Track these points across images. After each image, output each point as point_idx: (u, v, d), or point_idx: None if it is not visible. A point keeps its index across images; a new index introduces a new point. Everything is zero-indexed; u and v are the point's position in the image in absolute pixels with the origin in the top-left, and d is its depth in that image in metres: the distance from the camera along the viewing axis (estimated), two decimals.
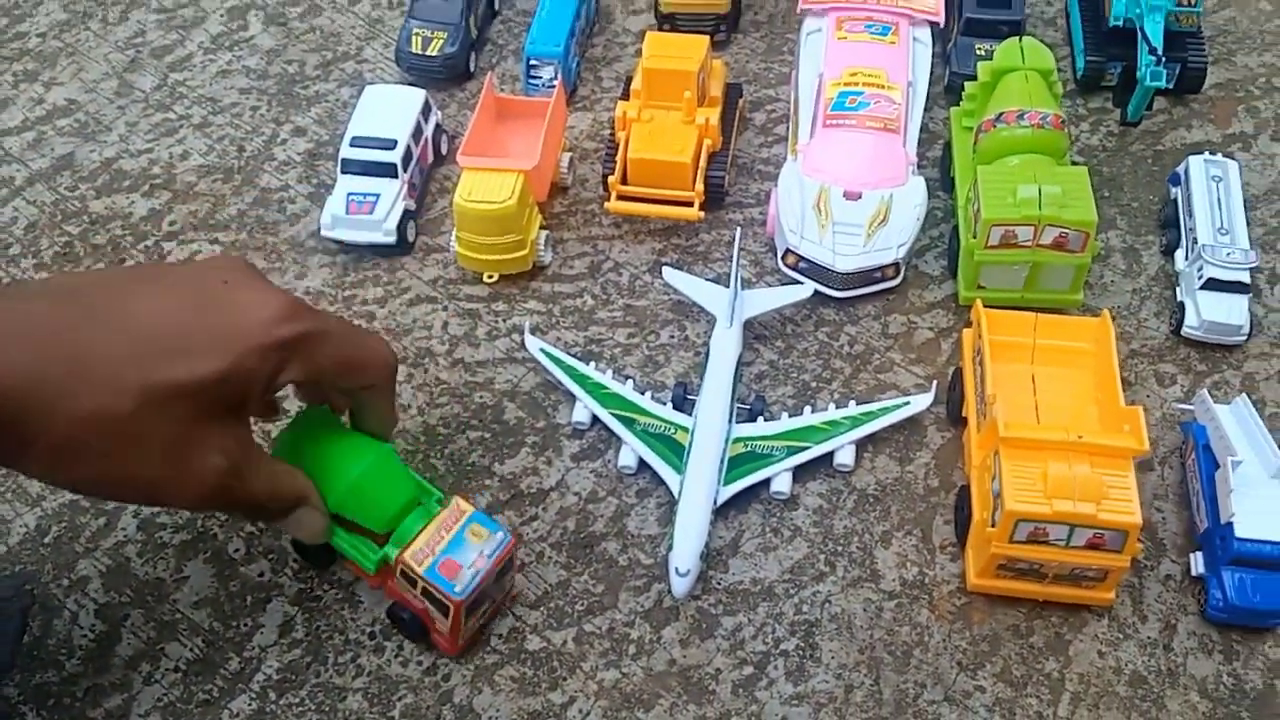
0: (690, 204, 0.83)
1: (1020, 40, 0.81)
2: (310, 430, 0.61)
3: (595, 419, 0.74)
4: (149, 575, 0.68)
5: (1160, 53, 0.84)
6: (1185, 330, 0.77)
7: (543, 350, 0.76)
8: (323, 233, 0.83)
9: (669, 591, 0.66)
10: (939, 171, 0.87)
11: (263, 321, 0.52)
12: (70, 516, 0.70)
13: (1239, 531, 0.65)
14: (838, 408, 0.74)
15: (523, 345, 0.78)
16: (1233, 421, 0.69)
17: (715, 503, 0.68)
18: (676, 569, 0.65)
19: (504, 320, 0.80)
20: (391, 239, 0.82)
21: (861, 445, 0.73)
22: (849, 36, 0.86)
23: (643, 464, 0.72)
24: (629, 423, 0.73)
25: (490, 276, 0.82)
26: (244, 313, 0.52)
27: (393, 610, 0.64)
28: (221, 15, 1.02)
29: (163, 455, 0.50)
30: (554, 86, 0.87)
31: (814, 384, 0.77)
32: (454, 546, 0.59)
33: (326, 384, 0.60)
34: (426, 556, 0.59)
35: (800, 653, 0.65)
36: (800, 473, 0.72)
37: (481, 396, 0.76)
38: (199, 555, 0.68)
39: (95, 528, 0.70)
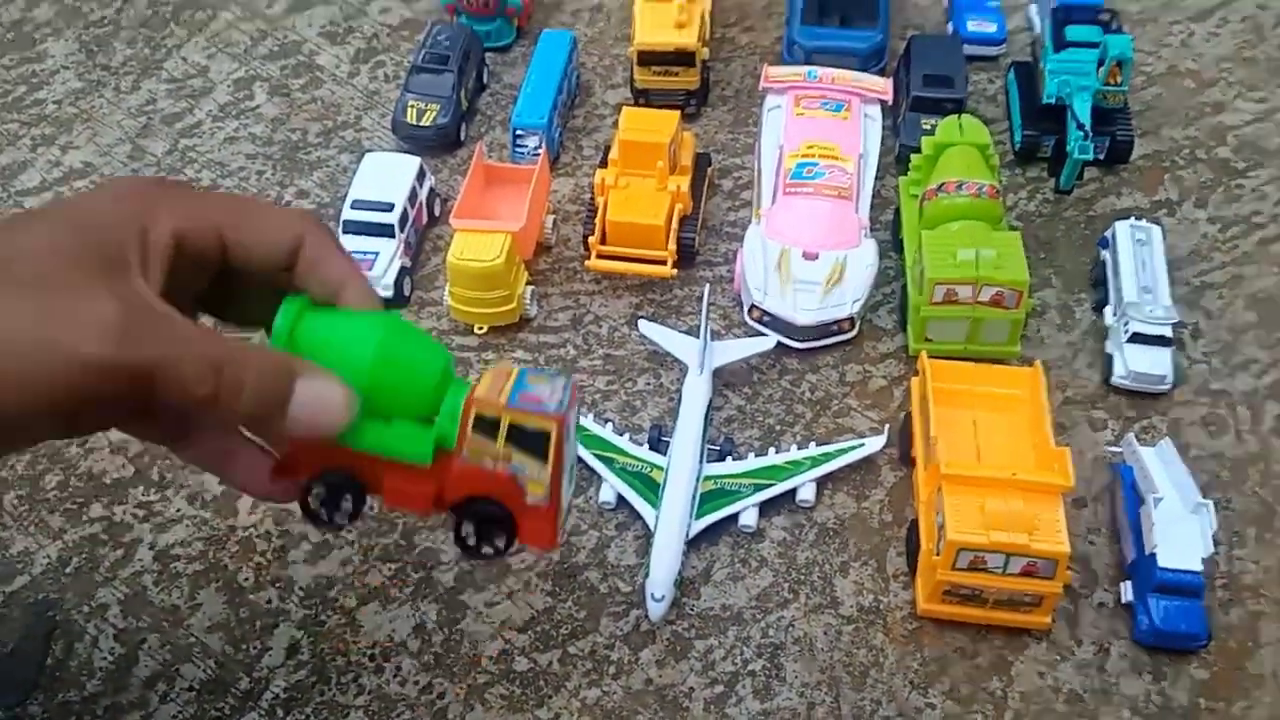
0: (664, 262, 0.91)
1: (959, 118, 0.90)
2: (298, 319, 0.47)
3: (578, 459, 0.80)
4: (164, 602, 0.73)
5: (1088, 128, 0.93)
6: (1114, 380, 0.85)
7: None
8: None
9: (646, 616, 0.72)
10: (890, 234, 0.95)
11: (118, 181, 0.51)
12: (90, 549, 0.75)
13: (1161, 562, 0.72)
14: (800, 448, 0.81)
15: None
16: (1156, 462, 0.76)
17: (688, 535, 0.75)
18: (653, 595, 0.71)
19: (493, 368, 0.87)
20: (389, 293, 0.89)
21: (822, 483, 0.80)
22: (806, 113, 0.94)
23: (621, 500, 0.78)
24: (609, 462, 0.79)
25: (480, 328, 0.89)
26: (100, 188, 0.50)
27: (464, 522, 0.49)
28: (229, 86, 1.09)
29: (34, 297, 0.41)
30: (539, 155, 0.95)
31: (778, 427, 0.84)
32: (520, 387, 0.48)
33: (241, 265, 0.48)
34: (499, 394, 0.47)
35: (766, 673, 0.71)
36: (766, 508, 0.78)
37: None
38: (211, 584, 0.74)
39: (114, 559, 0.75)
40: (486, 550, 0.49)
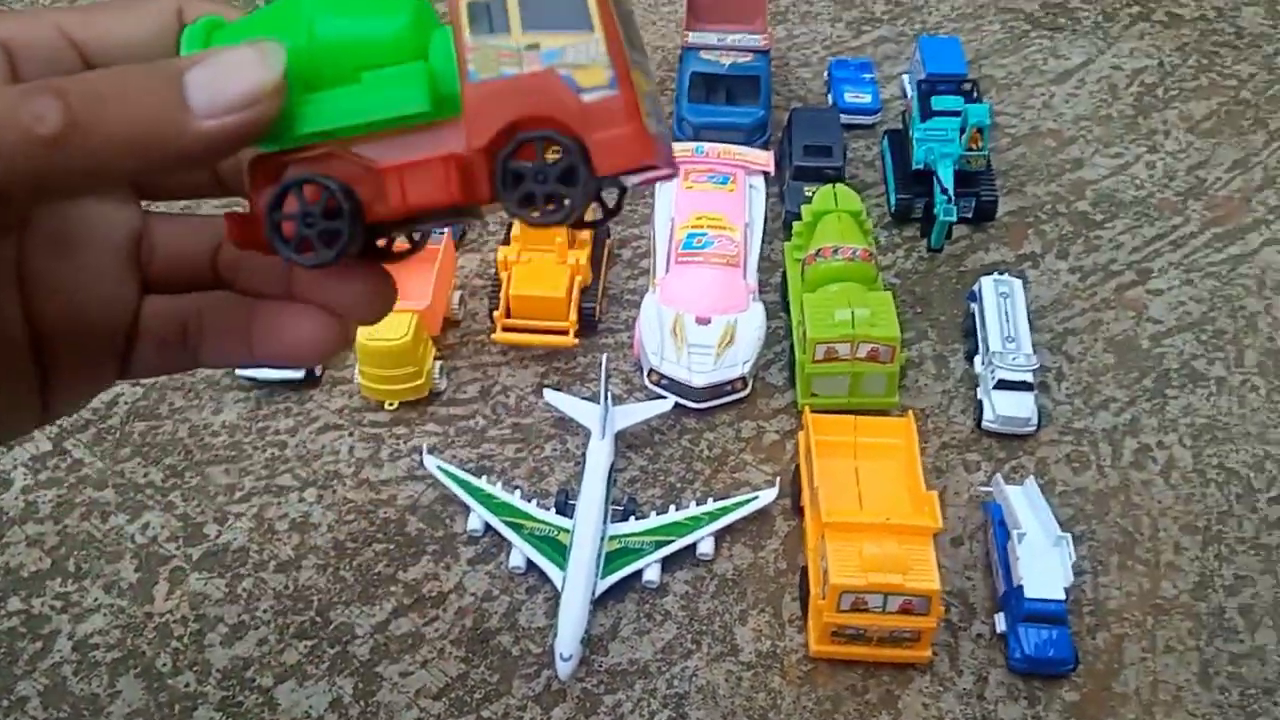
0: (566, 333, 0.96)
1: (834, 187, 0.97)
2: (209, 37, 0.32)
3: (488, 526, 0.84)
4: (84, 692, 0.75)
5: (950, 193, 1.01)
6: (985, 424, 0.91)
7: (440, 468, 0.87)
8: (237, 371, 0.93)
9: (556, 676, 0.76)
10: (779, 295, 1.01)
11: None
12: (9, 642, 0.77)
13: (1028, 593, 0.78)
14: (699, 504, 0.86)
15: (422, 464, 0.88)
16: (1021, 500, 0.83)
17: (594, 594, 0.79)
18: (561, 654, 0.75)
19: (404, 442, 0.91)
20: (300, 374, 0.93)
21: (720, 536, 0.85)
22: (695, 186, 1.01)
23: (531, 564, 0.82)
24: (518, 528, 0.83)
25: (391, 404, 0.93)
26: None
27: (515, 186, 0.31)
28: None
29: None
30: (443, 234, 0.99)
31: (679, 484, 0.89)
32: None
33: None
34: None
35: None
36: (669, 563, 0.83)
37: (385, 512, 0.86)
38: (130, 671, 0.76)
39: (33, 651, 0.76)
40: (567, 205, 0.30)
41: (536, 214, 0.31)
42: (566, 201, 0.30)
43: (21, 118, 0.27)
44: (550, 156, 0.30)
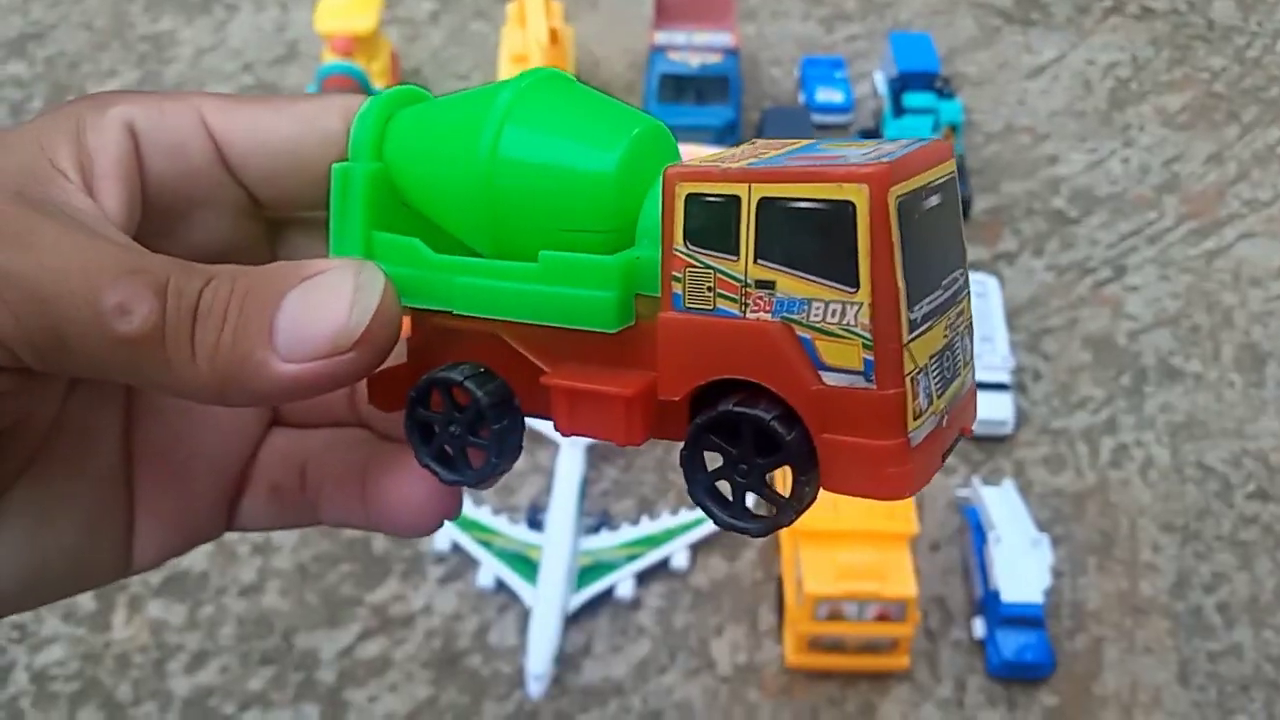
0: None
1: None
2: (386, 121, 0.27)
3: (456, 544, 0.82)
4: None
5: None
6: None
7: None
8: None
9: (528, 695, 0.74)
10: None
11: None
12: None
13: (1005, 597, 0.77)
14: (673, 515, 0.84)
15: None
16: (998, 502, 0.82)
17: (567, 611, 0.77)
18: (532, 674, 0.73)
19: None
20: None
21: (696, 548, 0.83)
22: None
23: (502, 584, 0.80)
24: (487, 545, 0.81)
25: None
26: None
27: (705, 453, 0.24)
28: None
29: None
30: None
31: (652, 495, 0.87)
32: (800, 151, 0.24)
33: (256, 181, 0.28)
34: (740, 160, 0.23)
35: None
36: (643, 577, 0.81)
37: (350, 532, 0.84)
38: (90, 702, 0.74)
39: None
40: (767, 519, 0.24)
41: (723, 513, 0.24)
42: (770, 511, 0.23)
43: (105, 302, 0.22)
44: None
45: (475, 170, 0.24)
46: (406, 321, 0.27)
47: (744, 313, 0.22)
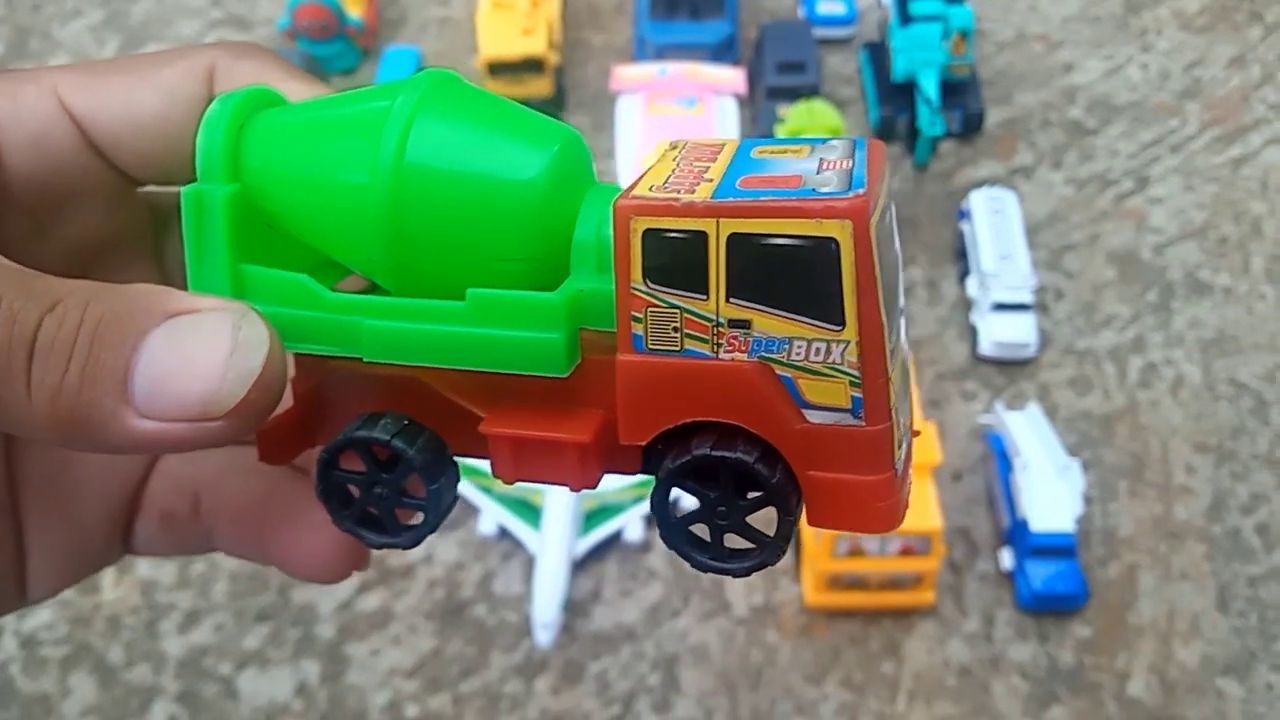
0: None
1: (810, 102, 0.90)
2: (238, 125, 0.24)
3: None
4: (35, 691, 0.70)
5: (935, 104, 0.94)
6: (981, 351, 0.86)
7: None
8: None
9: (536, 644, 0.71)
10: None
11: None
12: None
13: (1034, 526, 0.73)
14: None
15: None
16: (1024, 428, 0.78)
17: (574, 555, 0.74)
18: (540, 622, 0.70)
19: None
20: None
21: None
22: (659, 110, 0.94)
23: (504, 531, 0.77)
24: (487, 490, 0.78)
25: None
26: None
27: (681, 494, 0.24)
28: None
29: None
30: None
31: None
32: (742, 165, 0.21)
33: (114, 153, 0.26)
34: (691, 183, 0.21)
35: (663, 686, 0.71)
36: (651, 519, 0.78)
37: None
38: (81, 666, 0.71)
39: None
40: (748, 560, 0.23)
41: (704, 557, 0.24)
42: (750, 551, 0.23)
43: None
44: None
45: (376, 181, 0.21)
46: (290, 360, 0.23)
47: (717, 353, 0.21)
